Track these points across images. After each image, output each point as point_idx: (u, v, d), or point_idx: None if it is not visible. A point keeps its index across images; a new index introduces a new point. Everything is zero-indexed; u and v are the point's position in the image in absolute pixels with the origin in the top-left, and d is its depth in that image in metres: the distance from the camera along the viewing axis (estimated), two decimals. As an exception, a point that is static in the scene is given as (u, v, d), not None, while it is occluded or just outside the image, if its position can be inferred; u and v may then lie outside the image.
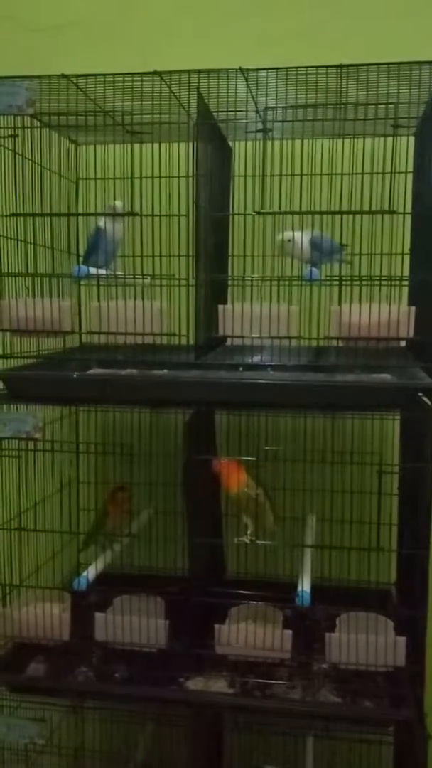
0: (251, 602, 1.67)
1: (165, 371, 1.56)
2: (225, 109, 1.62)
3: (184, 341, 1.57)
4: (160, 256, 1.64)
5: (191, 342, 1.56)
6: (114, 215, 1.68)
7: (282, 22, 1.90)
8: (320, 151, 1.70)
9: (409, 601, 1.56)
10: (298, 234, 1.63)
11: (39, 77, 1.47)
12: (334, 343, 1.55)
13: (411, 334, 1.48)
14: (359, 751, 1.76)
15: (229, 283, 1.81)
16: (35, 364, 1.66)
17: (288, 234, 1.62)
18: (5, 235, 1.58)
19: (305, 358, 1.62)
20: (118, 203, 1.68)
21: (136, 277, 1.66)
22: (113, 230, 1.70)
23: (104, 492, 1.80)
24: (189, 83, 1.49)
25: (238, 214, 1.80)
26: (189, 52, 1.86)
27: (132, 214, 1.51)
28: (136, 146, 1.69)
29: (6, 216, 1.58)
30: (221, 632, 1.57)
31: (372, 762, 1.80)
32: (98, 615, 1.61)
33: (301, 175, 1.65)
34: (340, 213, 1.56)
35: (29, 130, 1.59)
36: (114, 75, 1.47)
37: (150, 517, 1.86)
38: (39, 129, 1.64)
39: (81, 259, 1.80)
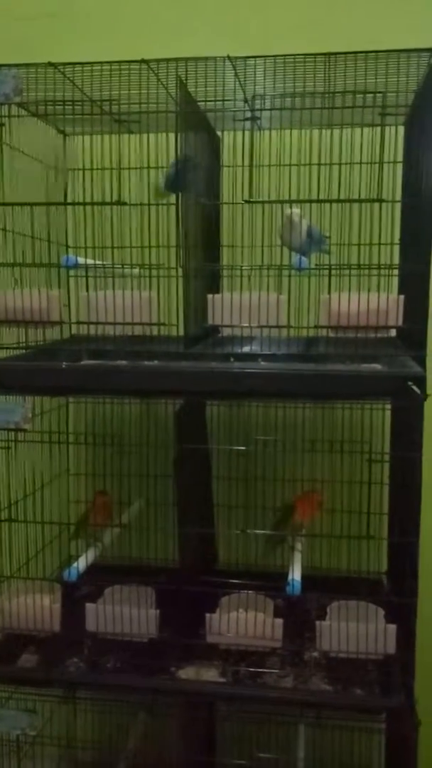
0: (242, 591, 1.67)
1: (155, 362, 1.56)
2: (213, 98, 1.62)
3: (175, 332, 1.56)
4: (149, 246, 1.64)
5: (182, 332, 1.56)
6: (96, 204, 1.66)
7: (270, 10, 1.89)
8: (309, 141, 1.69)
9: (400, 590, 1.57)
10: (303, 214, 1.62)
11: (26, 65, 1.46)
12: (324, 333, 1.55)
13: (400, 322, 1.49)
14: (351, 738, 1.77)
15: (221, 273, 1.81)
16: (25, 354, 1.65)
17: (296, 210, 1.60)
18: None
19: (296, 349, 1.62)
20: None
21: (125, 267, 1.65)
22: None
23: (94, 484, 1.80)
24: (176, 71, 1.49)
25: (226, 203, 1.80)
26: (177, 41, 1.86)
27: (120, 203, 1.51)
28: (125, 136, 1.68)
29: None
30: (212, 621, 1.57)
31: (364, 749, 1.81)
32: (89, 605, 1.61)
33: (290, 165, 1.65)
34: (329, 201, 1.56)
35: (17, 119, 1.58)
36: (101, 63, 1.47)
37: (141, 508, 1.86)
38: (27, 118, 1.63)
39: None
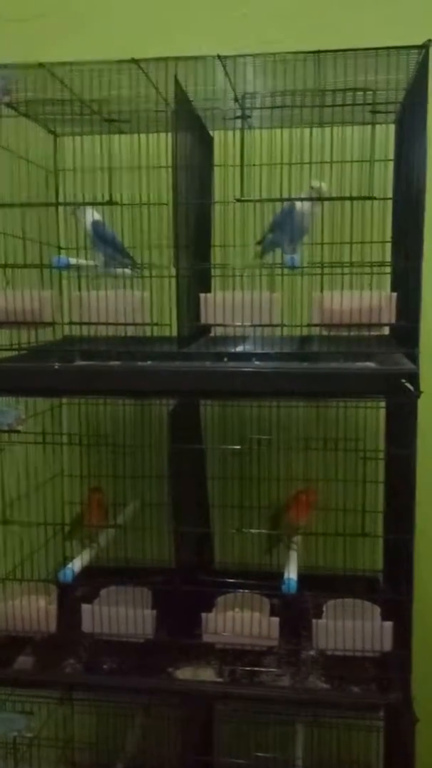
0: (238, 591, 1.67)
1: (149, 362, 1.56)
2: (204, 97, 1.61)
3: (168, 332, 1.56)
4: (141, 247, 1.64)
5: (175, 332, 1.55)
6: (87, 204, 1.65)
7: (261, 8, 1.88)
8: (300, 140, 1.69)
9: (396, 587, 1.57)
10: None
11: (15, 65, 1.45)
12: (318, 332, 1.55)
13: (393, 320, 1.49)
14: (348, 736, 1.77)
15: (213, 273, 1.81)
16: (17, 356, 1.65)
17: (316, 182, 1.57)
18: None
19: (289, 347, 1.62)
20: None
21: (117, 267, 1.65)
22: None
23: (89, 485, 1.80)
24: (167, 71, 1.48)
25: (218, 202, 1.80)
26: (168, 40, 1.85)
27: (111, 203, 1.50)
28: (117, 137, 1.68)
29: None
30: (208, 621, 1.57)
31: (361, 747, 1.81)
32: (85, 606, 1.61)
33: (282, 164, 1.65)
34: (321, 199, 1.56)
35: (6, 119, 1.58)
36: (91, 63, 1.46)
37: (136, 508, 1.86)
38: (16, 119, 1.63)
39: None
